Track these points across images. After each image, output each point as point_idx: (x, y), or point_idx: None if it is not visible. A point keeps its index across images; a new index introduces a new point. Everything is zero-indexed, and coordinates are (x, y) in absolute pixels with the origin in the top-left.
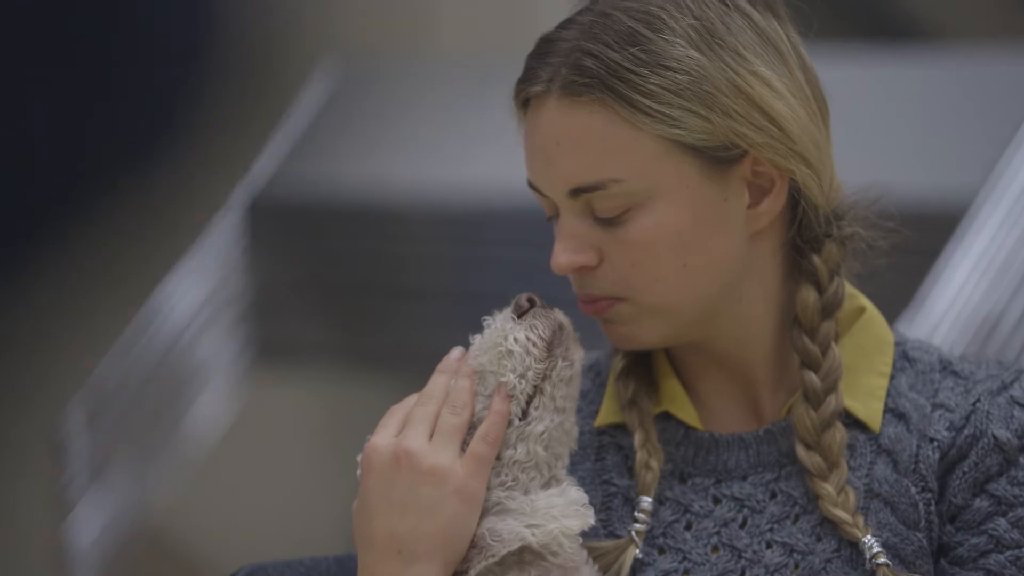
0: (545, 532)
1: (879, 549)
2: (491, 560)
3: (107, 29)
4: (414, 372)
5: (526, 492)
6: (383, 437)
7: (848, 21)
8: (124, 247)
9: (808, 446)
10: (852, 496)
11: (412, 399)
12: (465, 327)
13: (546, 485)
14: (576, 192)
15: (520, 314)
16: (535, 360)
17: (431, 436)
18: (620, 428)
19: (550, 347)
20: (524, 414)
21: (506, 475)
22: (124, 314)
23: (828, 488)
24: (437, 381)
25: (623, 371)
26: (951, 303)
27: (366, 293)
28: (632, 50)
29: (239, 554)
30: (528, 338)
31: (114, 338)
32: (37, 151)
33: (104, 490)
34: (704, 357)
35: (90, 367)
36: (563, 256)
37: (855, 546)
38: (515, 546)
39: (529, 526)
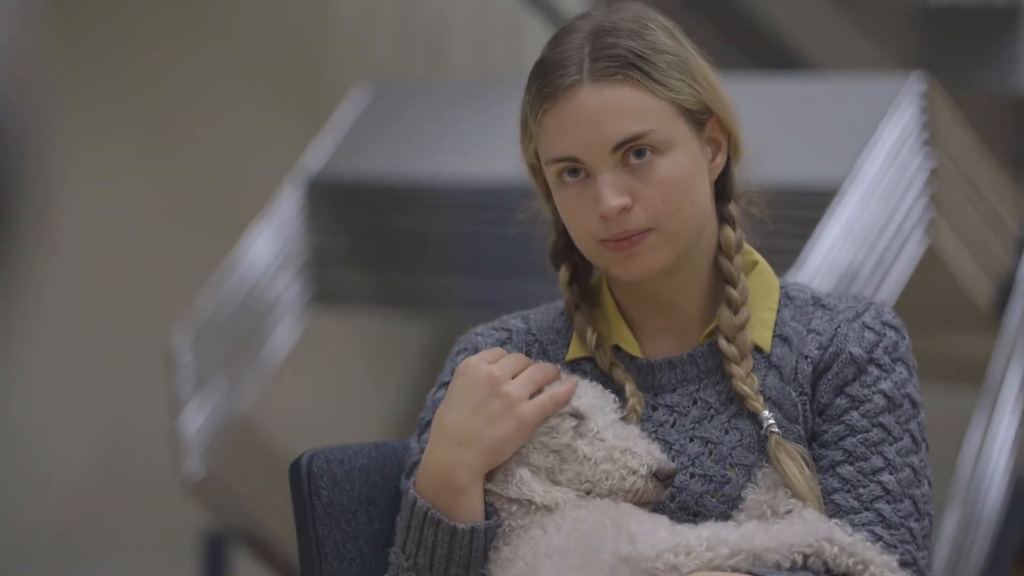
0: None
1: (772, 422)
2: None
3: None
4: (435, 312)
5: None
6: (480, 359)
7: (746, 53)
8: (215, 215)
9: (728, 340)
10: (755, 381)
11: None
12: (473, 276)
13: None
14: (619, 147)
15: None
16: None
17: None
18: (585, 360)
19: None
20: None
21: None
22: (217, 263)
23: (740, 370)
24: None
25: (583, 320)
26: (823, 258)
27: (396, 252)
28: (640, 41)
29: (304, 442)
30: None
31: (210, 280)
32: None
33: (205, 393)
34: (647, 303)
35: (193, 302)
36: (613, 200)
37: (754, 435)
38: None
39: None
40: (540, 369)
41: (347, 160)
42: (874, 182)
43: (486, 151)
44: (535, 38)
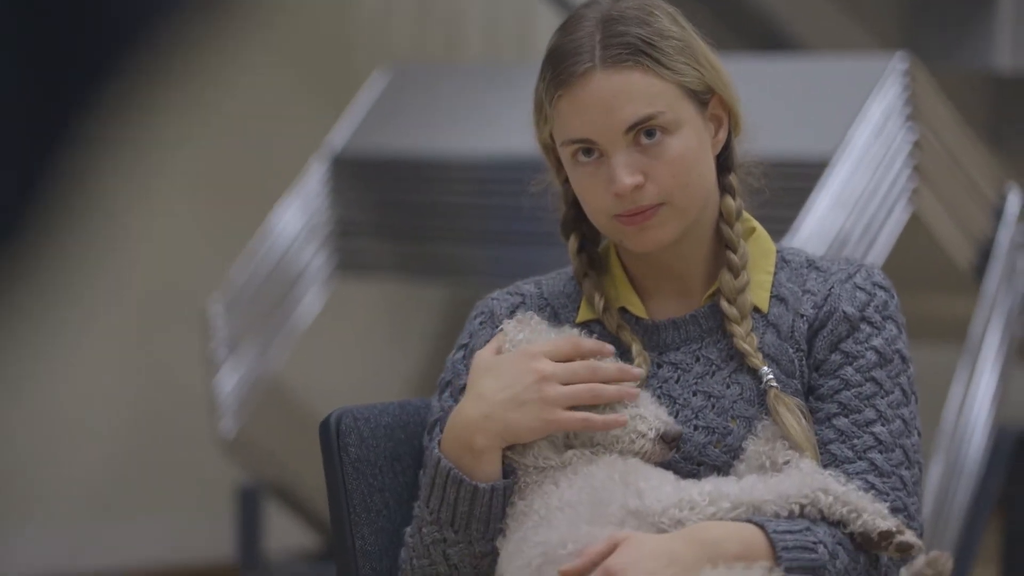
0: None
1: (771, 376)
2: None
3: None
4: (453, 279)
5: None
6: (536, 350)
7: (736, 35)
8: (248, 191)
9: (729, 301)
10: (755, 339)
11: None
12: (489, 245)
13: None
14: (631, 128)
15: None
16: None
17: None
18: (594, 322)
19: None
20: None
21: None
22: (249, 235)
23: (740, 330)
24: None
25: (591, 285)
26: (816, 225)
27: (416, 222)
28: (647, 28)
29: (330, 401)
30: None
31: (243, 251)
32: None
33: (238, 356)
34: (654, 268)
35: (227, 271)
36: (627, 179)
37: (754, 389)
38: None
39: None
40: (608, 391)
41: (369, 138)
42: (862, 154)
43: (498, 129)
44: (545, 23)
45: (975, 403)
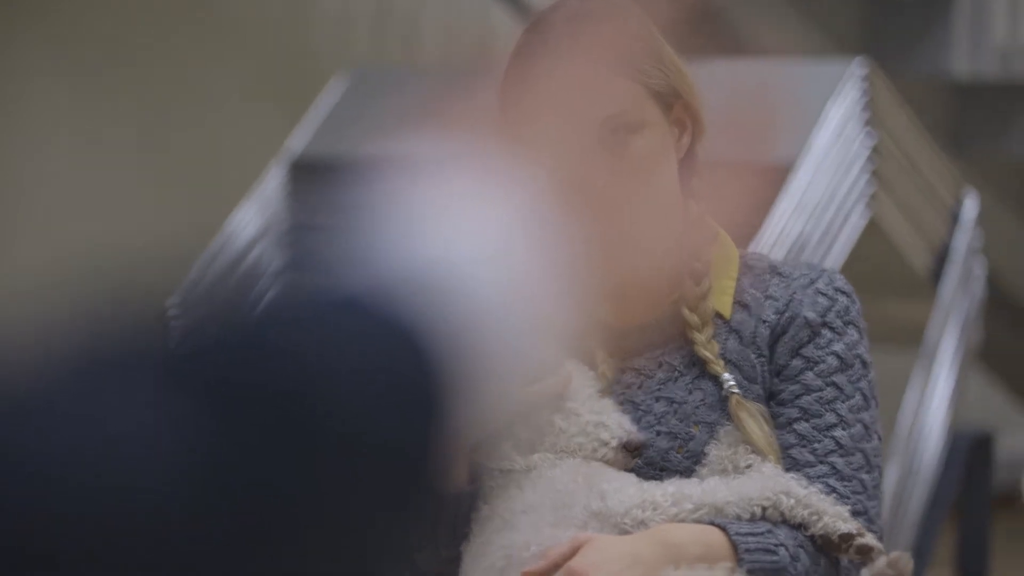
0: None
1: (732, 383)
2: None
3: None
4: None
5: None
6: None
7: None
8: (205, 191)
9: (690, 309)
10: (716, 346)
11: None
12: None
13: None
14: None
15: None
16: None
17: None
18: None
19: None
20: None
21: None
22: (209, 237)
23: (701, 337)
24: None
25: None
26: (778, 230)
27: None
28: (614, 28)
29: None
30: None
31: (202, 250)
32: None
33: None
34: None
35: (188, 268)
36: None
37: (716, 395)
38: None
39: None
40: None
41: (328, 142)
42: (821, 159)
43: (450, 130)
44: (503, 27)
45: (931, 407)
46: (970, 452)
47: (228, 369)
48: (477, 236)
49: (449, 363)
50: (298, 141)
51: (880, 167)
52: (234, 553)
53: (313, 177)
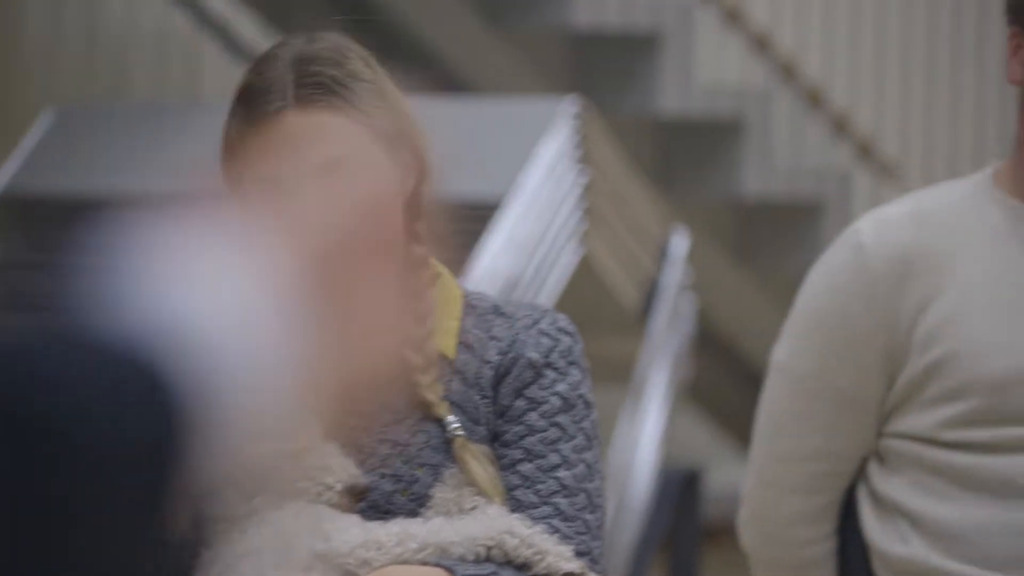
0: None
1: (457, 425)
2: None
3: None
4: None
5: None
6: None
7: (414, 78)
8: None
9: (414, 350)
10: (439, 389)
11: None
12: None
13: None
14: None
15: None
16: None
17: None
18: None
19: None
20: None
21: None
22: None
23: (425, 379)
24: None
25: None
26: (489, 267)
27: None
28: (340, 70)
29: None
30: None
31: None
32: None
33: None
34: None
35: None
36: None
37: (440, 437)
38: None
39: None
40: None
41: (33, 179)
42: (533, 196)
43: (163, 168)
44: (212, 65)
45: (641, 442)
46: (680, 488)
47: None
48: (208, 285)
49: (183, 413)
50: (2, 177)
51: (592, 204)
52: None
53: (19, 214)
